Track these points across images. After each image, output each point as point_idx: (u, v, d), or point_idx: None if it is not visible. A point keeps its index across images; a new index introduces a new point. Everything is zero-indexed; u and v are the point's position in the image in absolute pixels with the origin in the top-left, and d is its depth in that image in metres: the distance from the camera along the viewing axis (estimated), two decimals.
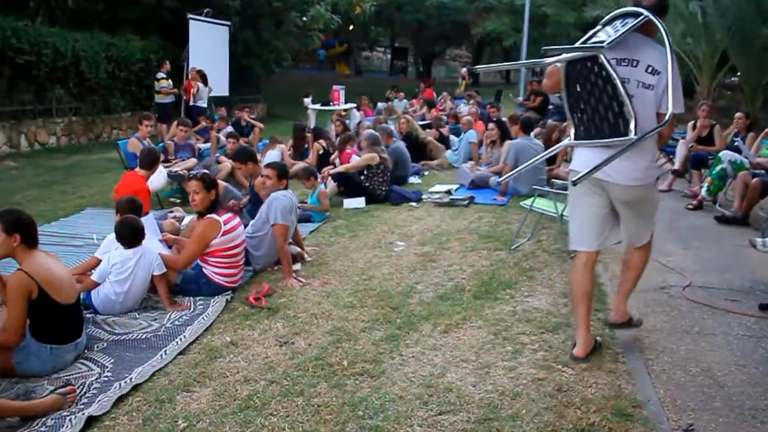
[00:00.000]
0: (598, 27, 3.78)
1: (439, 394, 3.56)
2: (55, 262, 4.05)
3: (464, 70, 32.77)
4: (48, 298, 3.80)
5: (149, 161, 6.59)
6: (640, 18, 3.59)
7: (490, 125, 10.55)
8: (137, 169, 6.62)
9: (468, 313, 4.72)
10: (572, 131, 3.87)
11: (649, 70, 3.64)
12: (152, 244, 5.26)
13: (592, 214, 3.96)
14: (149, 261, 4.85)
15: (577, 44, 3.71)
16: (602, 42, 3.51)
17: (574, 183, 3.66)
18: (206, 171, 6.01)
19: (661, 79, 3.61)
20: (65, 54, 14.38)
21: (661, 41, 3.58)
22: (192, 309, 4.87)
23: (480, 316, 4.67)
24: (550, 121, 11.92)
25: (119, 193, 6.07)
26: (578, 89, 3.71)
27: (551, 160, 10.01)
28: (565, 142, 4.20)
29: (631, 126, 3.49)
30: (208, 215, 5.18)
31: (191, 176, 5.37)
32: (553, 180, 8.34)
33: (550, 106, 16.36)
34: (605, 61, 3.49)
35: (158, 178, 7.01)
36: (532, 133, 9.65)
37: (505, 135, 9.99)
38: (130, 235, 4.85)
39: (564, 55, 3.70)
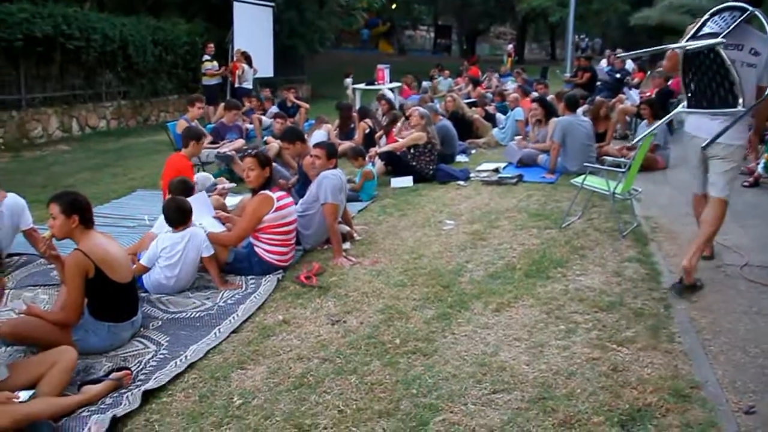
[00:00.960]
0: (706, 17, 4.52)
1: (493, 373, 3.54)
2: (110, 241, 4.12)
3: (510, 47, 32.36)
4: (104, 276, 3.88)
5: (192, 136, 6.71)
6: (746, 13, 4.35)
7: (533, 104, 10.38)
8: (182, 150, 6.73)
9: (519, 292, 4.68)
10: (685, 102, 4.76)
11: (752, 52, 4.43)
12: (206, 221, 5.32)
13: (698, 166, 4.89)
14: (198, 243, 4.90)
15: (689, 34, 4.53)
16: (717, 34, 4.29)
17: (704, 148, 4.69)
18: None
19: (761, 59, 4.42)
20: (113, 39, 14.59)
21: (762, 28, 4.35)
22: (244, 288, 4.93)
23: (532, 295, 4.63)
24: (597, 98, 11.70)
25: (165, 177, 6.17)
26: (693, 69, 4.53)
27: (600, 138, 9.86)
28: (679, 108, 5.12)
29: (740, 101, 4.36)
30: (262, 191, 5.21)
31: (246, 153, 5.40)
32: (604, 157, 8.20)
33: (598, 83, 16.04)
34: (721, 51, 4.27)
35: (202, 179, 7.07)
36: (579, 110, 9.50)
37: (550, 113, 9.83)
38: (176, 216, 4.90)
39: (684, 44, 4.50)
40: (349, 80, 18.82)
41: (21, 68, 12.79)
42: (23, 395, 3.22)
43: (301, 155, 6.82)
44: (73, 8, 14.15)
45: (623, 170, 6.20)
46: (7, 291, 4.98)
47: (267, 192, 5.20)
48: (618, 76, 15.91)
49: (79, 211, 3.92)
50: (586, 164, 6.69)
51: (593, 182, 6.42)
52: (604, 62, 20.28)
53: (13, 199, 5.62)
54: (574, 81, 16.41)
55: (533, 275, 5.02)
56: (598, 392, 3.33)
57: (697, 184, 5.00)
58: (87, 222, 3.97)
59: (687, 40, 4.51)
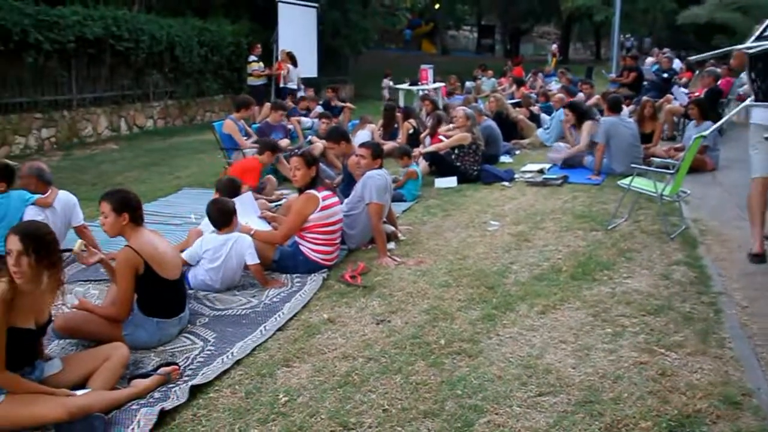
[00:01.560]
0: None
1: (538, 375, 3.52)
2: (160, 239, 4.19)
3: (554, 46, 32.04)
4: (154, 273, 3.95)
5: (269, 147, 7.17)
6: None
7: (565, 110, 10.22)
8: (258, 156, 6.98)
9: (565, 294, 4.64)
10: (752, 96, 5.02)
11: None
12: (252, 221, 5.38)
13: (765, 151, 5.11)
14: (241, 249, 4.92)
15: (756, 35, 4.84)
16: None
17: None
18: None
19: None
20: (161, 40, 14.85)
21: None
22: (289, 286, 4.97)
23: (578, 297, 4.59)
24: (644, 98, 11.52)
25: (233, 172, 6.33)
26: (760, 66, 4.80)
27: (647, 139, 9.71)
28: (747, 102, 5.29)
29: None
30: (308, 191, 5.25)
31: (292, 153, 5.45)
32: (651, 158, 8.07)
33: (645, 82, 15.81)
34: None
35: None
36: (626, 111, 9.35)
37: (582, 116, 9.64)
38: (220, 218, 4.96)
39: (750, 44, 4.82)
40: (387, 81, 18.81)
41: (73, 69, 13.09)
42: (79, 393, 3.30)
43: (346, 155, 6.86)
44: (122, 11, 14.44)
45: (671, 172, 6.10)
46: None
47: (313, 191, 5.24)
48: (665, 75, 15.66)
49: (129, 209, 4.00)
50: (633, 165, 6.60)
51: (641, 184, 6.33)
52: (649, 60, 19.99)
53: (65, 196, 5.77)
54: (620, 81, 16.19)
55: (579, 278, 4.97)
56: (645, 397, 3.28)
57: (763, 165, 5.17)
58: (137, 220, 4.04)
59: (754, 41, 4.81)
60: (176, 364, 3.71)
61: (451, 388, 3.40)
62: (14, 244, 3.18)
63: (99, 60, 13.62)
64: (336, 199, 5.44)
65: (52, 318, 3.62)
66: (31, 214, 5.45)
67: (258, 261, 4.97)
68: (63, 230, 5.72)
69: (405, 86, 16.68)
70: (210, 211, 5.02)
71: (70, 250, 5.72)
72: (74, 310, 4.02)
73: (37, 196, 5.57)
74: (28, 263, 3.15)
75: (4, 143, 11.65)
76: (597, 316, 4.27)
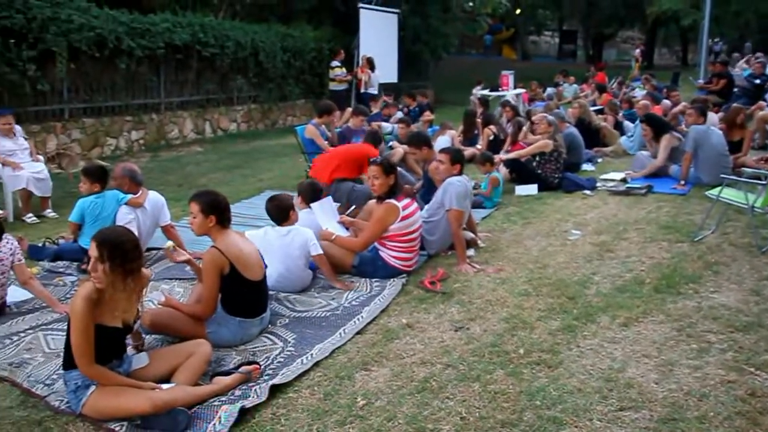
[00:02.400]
0: None
1: (620, 389, 3.45)
2: (244, 240, 4.30)
3: (638, 51, 31.26)
4: (238, 274, 4.05)
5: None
6: None
7: (643, 124, 9.90)
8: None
9: (648, 307, 4.53)
10: None
11: None
12: (331, 226, 5.45)
13: None
14: (302, 240, 4.98)
15: None
16: None
17: None
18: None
19: None
20: (245, 46, 15.19)
21: None
22: (368, 290, 5.01)
23: (661, 311, 4.47)
24: (734, 105, 11.11)
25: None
26: None
27: (735, 148, 9.35)
28: None
29: None
30: (388, 200, 5.28)
31: (371, 162, 5.49)
32: (741, 168, 7.79)
33: (736, 89, 15.25)
34: None
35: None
36: (715, 118, 9.03)
37: (660, 130, 9.28)
38: (277, 213, 5.09)
39: None
40: (478, 89, 18.61)
41: (161, 74, 13.54)
42: (164, 387, 3.41)
43: (427, 161, 6.87)
44: (209, 18, 14.87)
45: (764, 183, 5.88)
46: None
47: (393, 201, 5.27)
48: (758, 81, 15.05)
49: (217, 211, 4.11)
50: (722, 176, 6.38)
51: (730, 195, 6.12)
52: (739, 66, 19.30)
53: (154, 196, 5.98)
54: (708, 87, 15.68)
55: (663, 290, 4.84)
56: (733, 417, 3.17)
57: None
58: (224, 222, 4.15)
59: None
60: (257, 363, 3.79)
61: (530, 398, 3.37)
62: (92, 250, 3.32)
63: (186, 65, 14.05)
64: (416, 206, 5.45)
65: (140, 316, 3.76)
66: (123, 213, 5.68)
67: (321, 252, 5.02)
68: (152, 229, 5.94)
69: (485, 92, 16.57)
70: (268, 207, 5.13)
71: (158, 249, 5.95)
72: (161, 306, 4.16)
73: (129, 196, 5.78)
74: (104, 269, 3.28)
75: (96, 145, 12.15)
76: (682, 331, 4.15)
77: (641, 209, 7.29)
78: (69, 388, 3.36)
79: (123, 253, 3.32)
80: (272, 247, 4.89)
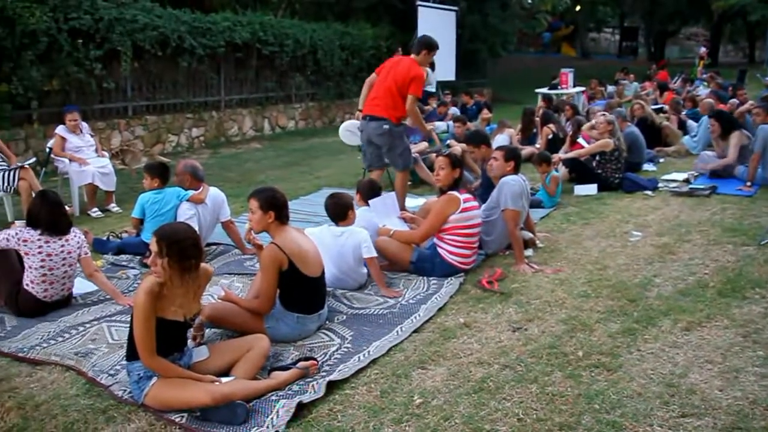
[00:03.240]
0: None
1: (682, 395, 3.36)
2: (303, 237, 4.34)
3: (702, 49, 30.51)
4: (296, 270, 4.09)
5: None
6: None
7: (711, 120, 9.61)
8: None
9: (712, 311, 4.41)
10: None
11: None
12: (391, 222, 5.46)
13: None
14: (356, 242, 4.96)
15: None
16: None
17: None
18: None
19: None
20: (304, 44, 15.37)
21: None
22: (426, 288, 5.00)
23: (726, 316, 4.35)
24: None
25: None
26: None
27: None
28: None
29: None
30: (450, 192, 5.27)
31: (439, 153, 5.49)
32: None
33: None
34: None
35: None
36: None
37: (729, 126, 9.00)
38: (336, 211, 5.08)
39: None
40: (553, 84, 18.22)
41: (222, 72, 13.78)
42: (224, 380, 3.47)
43: (485, 159, 6.83)
44: (268, 16, 15.07)
45: None
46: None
47: (454, 192, 5.25)
48: None
49: (275, 207, 4.15)
50: None
51: None
52: None
53: (215, 192, 6.08)
54: None
55: (728, 294, 4.71)
56: None
57: None
58: (282, 218, 4.19)
59: None
60: (314, 359, 3.81)
61: (589, 401, 3.32)
62: (152, 245, 3.41)
63: (246, 63, 14.27)
64: (476, 202, 5.43)
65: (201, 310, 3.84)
66: (184, 209, 5.79)
67: (374, 254, 5.00)
68: (212, 225, 6.04)
69: (544, 90, 16.37)
70: (327, 204, 5.13)
71: (218, 244, 6.05)
72: (221, 300, 4.23)
73: (190, 192, 5.89)
74: (162, 264, 3.36)
75: (158, 141, 12.43)
76: (747, 337, 4.03)
77: (705, 211, 7.11)
78: (132, 378, 3.45)
79: (181, 250, 3.39)
80: (326, 248, 4.91)
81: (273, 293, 4.13)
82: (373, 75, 7.01)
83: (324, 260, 4.70)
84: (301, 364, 3.72)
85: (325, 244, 4.89)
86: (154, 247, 3.39)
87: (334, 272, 4.95)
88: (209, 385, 3.37)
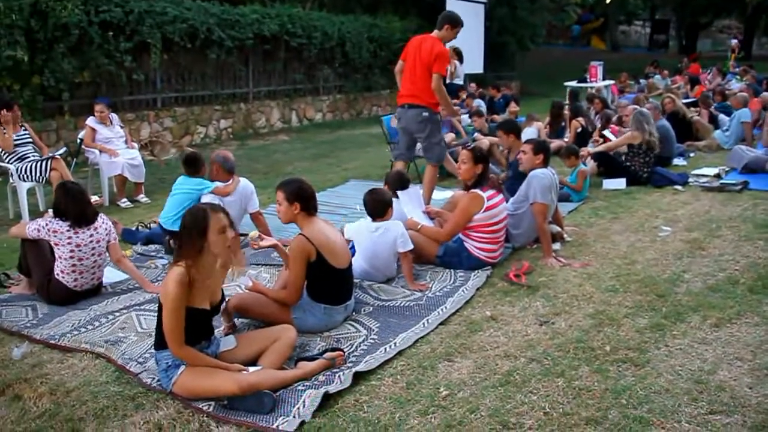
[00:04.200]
0: None
1: (710, 392, 3.33)
2: (331, 228, 4.35)
3: (734, 41, 30.01)
4: (324, 261, 4.11)
5: None
6: None
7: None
8: None
9: (742, 308, 4.35)
10: None
11: None
12: (416, 215, 5.45)
13: None
14: (392, 237, 4.95)
15: None
16: None
17: None
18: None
19: None
20: (332, 36, 15.37)
21: None
22: (453, 281, 5.01)
23: (756, 313, 4.29)
24: None
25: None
26: None
27: None
28: None
29: None
30: (473, 189, 5.25)
31: (464, 147, 5.48)
32: None
33: None
34: None
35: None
36: None
37: None
38: (375, 207, 5.04)
39: None
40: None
41: (250, 64, 13.84)
42: (251, 370, 3.50)
43: (513, 150, 6.79)
44: (296, 8, 15.11)
45: None
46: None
47: (477, 191, 5.22)
48: None
49: (301, 199, 4.17)
50: None
51: None
52: None
53: (243, 183, 6.11)
54: None
55: (759, 291, 4.64)
56: None
57: None
58: (309, 209, 4.21)
59: None
60: (341, 350, 3.83)
61: (616, 396, 3.30)
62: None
63: (274, 55, 14.32)
64: (501, 197, 5.39)
65: (226, 298, 3.87)
66: (208, 200, 5.80)
67: (411, 247, 4.99)
68: (239, 215, 6.07)
69: (574, 83, 16.21)
70: (367, 200, 5.11)
71: (245, 235, 6.09)
72: (248, 291, 4.26)
73: (214, 184, 5.92)
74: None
75: (187, 133, 12.53)
76: None
77: (736, 206, 7.02)
78: (160, 366, 3.49)
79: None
80: (360, 244, 4.95)
81: (301, 284, 4.15)
82: (400, 62, 6.97)
83: (357, 255, 4.73)
84: (327, 354, 3.73)
85: (359, 240, 4.91)
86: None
87: (364, 267, 4.96)
88: (236, 374, 3.40)
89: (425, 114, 6.61)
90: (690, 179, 8.25)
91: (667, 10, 46.89)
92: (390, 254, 5.01)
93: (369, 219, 5.09)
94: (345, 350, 3.87)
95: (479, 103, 12.56)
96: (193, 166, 6.01)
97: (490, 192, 5.27)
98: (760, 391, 3.34)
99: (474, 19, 18.04)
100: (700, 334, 4.00)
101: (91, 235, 4.74)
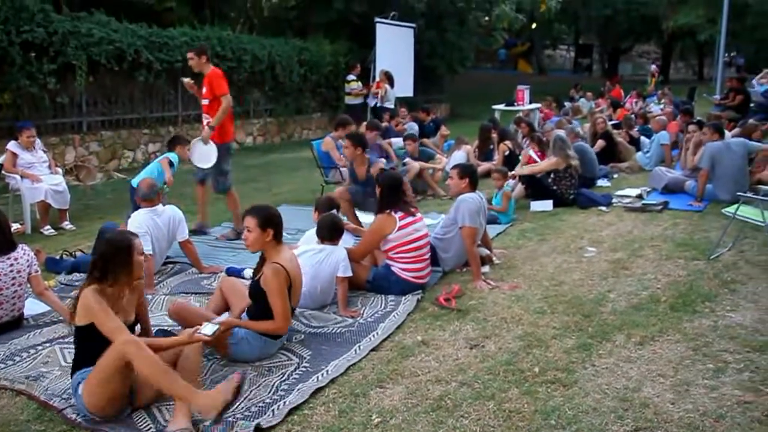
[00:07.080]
0: None
1: (635, 409, 3.43)
2: (297, 260, 4.32)
3: (653, 66, 31.17)
4: (289, 292, 4.07)
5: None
6: None
7: (691, 127, 9.85)
8: None
9: (664, 326, 4.50)
10: None
11: None
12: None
13: None
14: (334, 261, 4.98)
15: None
16: None
17: None
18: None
19: None
20: (262, 59, 15.34)
21: None
22: (383, 306, 5.01)
23: (677, 330, 4.44)
24: (750, 121, 11.06)
25: None
26: None
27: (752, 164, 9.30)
28: None
29: None
30: (386, 211, 5.29)
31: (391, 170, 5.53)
32: (758, 186, 7.75)
33: (752, 104, 15.17)
34: None
35: None
36: (729, 134, 8.97)
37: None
38: (328, 231, 5.08)
39: None
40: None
41: (179, 87, 13.64)
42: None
43: (355, 161, 7.32)
44: (226, 31, 15.01)
45: None
46: (162, 297, 5.32)
47: (388, 213, 5.27)
48: None
49: (273, 225, 4.11)
50: (739, 193, 6.35)
51: (746, 212, 6.09)
52: (756, 81, 19.25)
53: (172, 210, 6.00)
54: (725, 103, 15.60)
55: (679, 309, 4.81)
56: None
57: None
58: (278, 237, 4.16)
59: None
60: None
61: (545, 417, 3.36)
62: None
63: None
64: (417, 216, 5.42)
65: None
66: (135, 226, 5.55)
67: (350, 274, 5.02)
68: (168, 244, 5.95)
69: (501, 107, 16.52)
70: (325, 223, 5.14)
71: (174, 262, 5.98)
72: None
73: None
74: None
75: (114, 157, 12.27)
76: (698, 351, 4.12)
77: (657, 226, 7.27)
78: (73, 389, 3.47)
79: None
80: (305, 265, 4.88)
81: (288, 310, 4.10)
82: None
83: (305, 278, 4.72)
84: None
85: (303, 261, 4.88)
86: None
87: (303, 291, 4.92)
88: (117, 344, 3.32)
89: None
90: (614, 200, 8.50)
91: (591, 35, 48.44)
92: (331, 278, 5.00)
93: (315, 240, 5.10)
94: (276, 380, 3.82)
95: (411, 127, 12.65)
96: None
97: (401, 213, 5.29)
98: (681, 406, 3.46)
99: (404, 42, 18.29)
100: (625, 353, 4.11)
101: (11, 265, 4.56)
